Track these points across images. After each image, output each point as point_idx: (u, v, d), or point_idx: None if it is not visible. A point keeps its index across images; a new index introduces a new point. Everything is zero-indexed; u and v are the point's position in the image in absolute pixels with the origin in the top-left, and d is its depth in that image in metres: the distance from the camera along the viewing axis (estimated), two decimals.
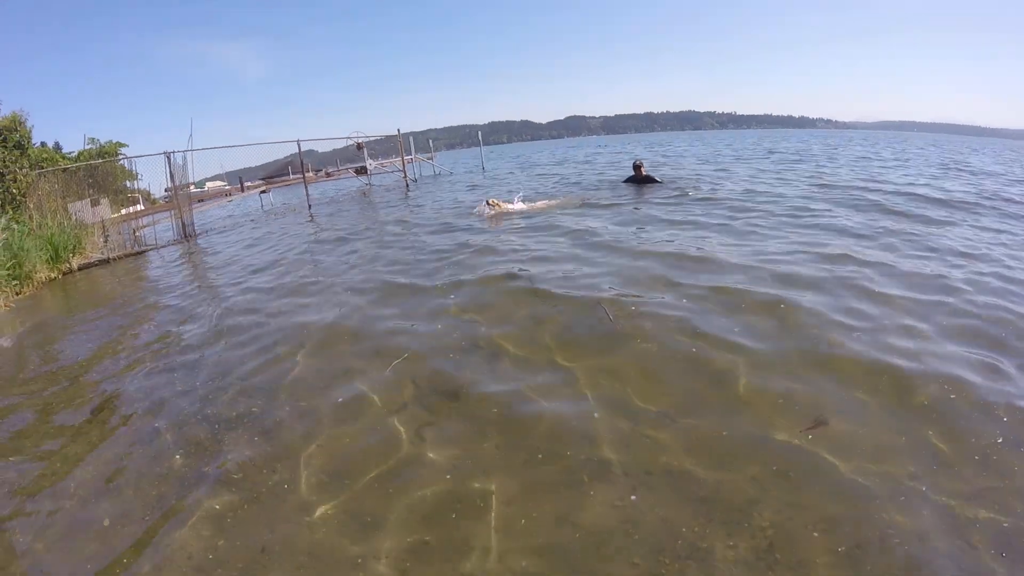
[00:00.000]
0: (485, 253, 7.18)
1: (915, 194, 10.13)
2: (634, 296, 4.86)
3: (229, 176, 25.52)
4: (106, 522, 2.75)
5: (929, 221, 7.72)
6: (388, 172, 23.89)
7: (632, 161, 14.19)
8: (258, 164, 27.31)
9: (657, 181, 12.70)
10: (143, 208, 17.04)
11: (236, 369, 4.44)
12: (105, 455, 3.38)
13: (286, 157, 25.39)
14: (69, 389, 4.60)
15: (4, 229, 9.60)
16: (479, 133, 33.31)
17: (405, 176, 21.68)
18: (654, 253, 6.32)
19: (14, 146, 12.49)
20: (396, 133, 22.75)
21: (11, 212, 10.78)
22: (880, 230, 7.07)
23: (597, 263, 6.15)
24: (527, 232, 8.49)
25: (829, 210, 8.62)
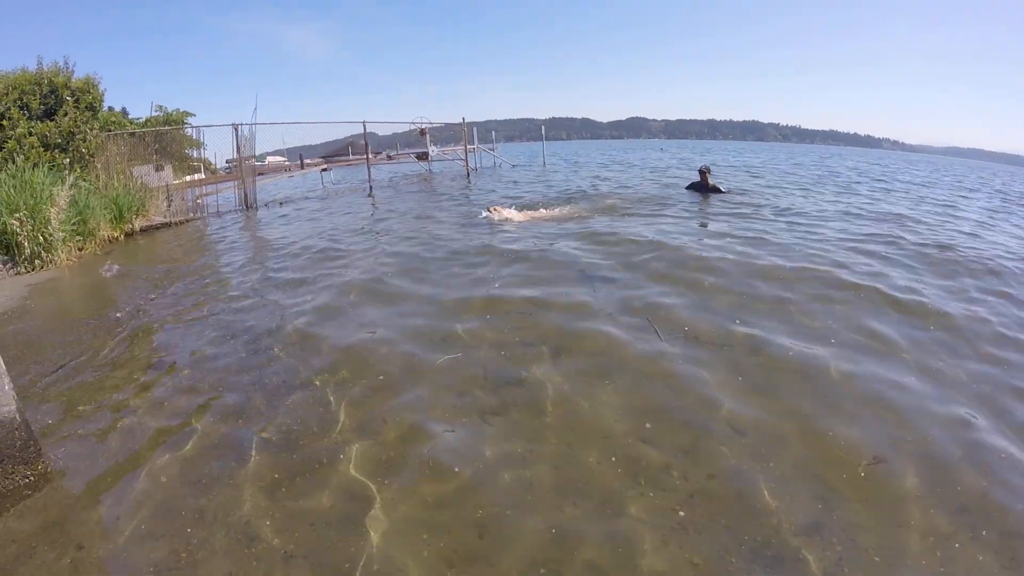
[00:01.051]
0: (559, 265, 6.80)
1: None
2: None
3: (289, 152, 25.78)
4: None
5: None
6: (449, 160, 23.78)
7: (698, 167, 13.71)
8: (318, 142, 27.60)
9: (722, 191, 12.17)
10: (204, 177, 17.18)
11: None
12: None
13: (346, 137, 25.58)
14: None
15: (72, 186, 9.69)
16: (542, 128, 32.71)
17: (467, 165, 21.51)
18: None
19: (86, 107, 12.82)
20: (461, 121, 22.59)
21: (79, 171, 11.02)
22: None
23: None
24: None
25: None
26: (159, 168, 14.94)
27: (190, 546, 2.43)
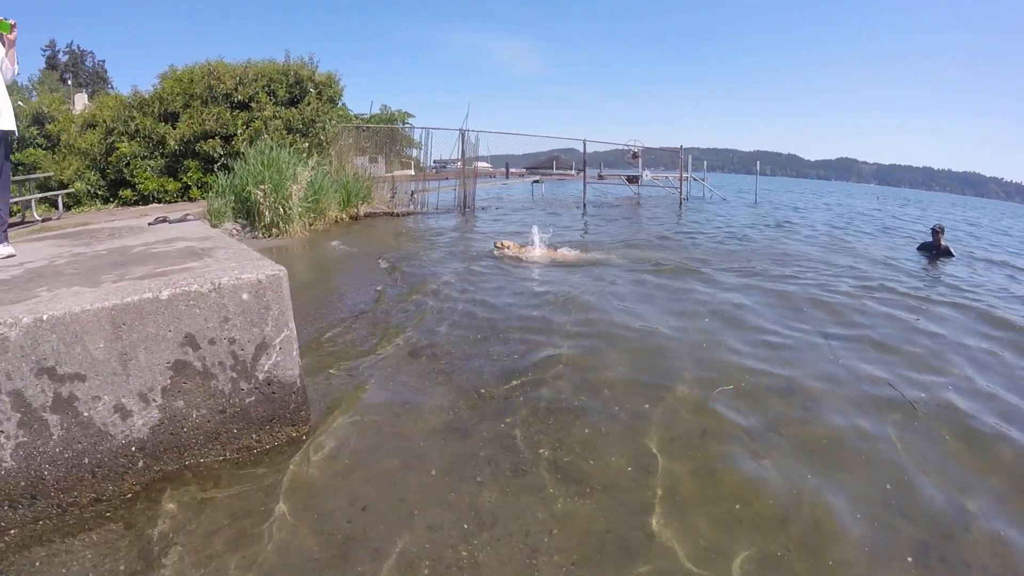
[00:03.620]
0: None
1: None
2: None
3: (493, 160, 26.14)
4: None
5: None
6: (659, 186, 22.65)
7: (931, 226, 11.71)
8: (521, 153, 27.96)
9: (952, 255, 10.58)
10: (413, 173, 17.94)
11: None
12: None
13: (550, 151, 25.67)
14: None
15: (313, 168, 10.59)
16: (757, 163, 30.48)
17: (680, 193, 20.22)
18: None
19: (327, 100, 14.11)
20: (678, 148, 21.41)
21: (316, 156, 11.90)
22: None
23: None
24: None
25: None
26: (373, 161, 16.14)
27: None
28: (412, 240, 10.23)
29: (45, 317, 2.37)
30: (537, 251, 8.41)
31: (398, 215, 12.99)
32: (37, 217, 10.30)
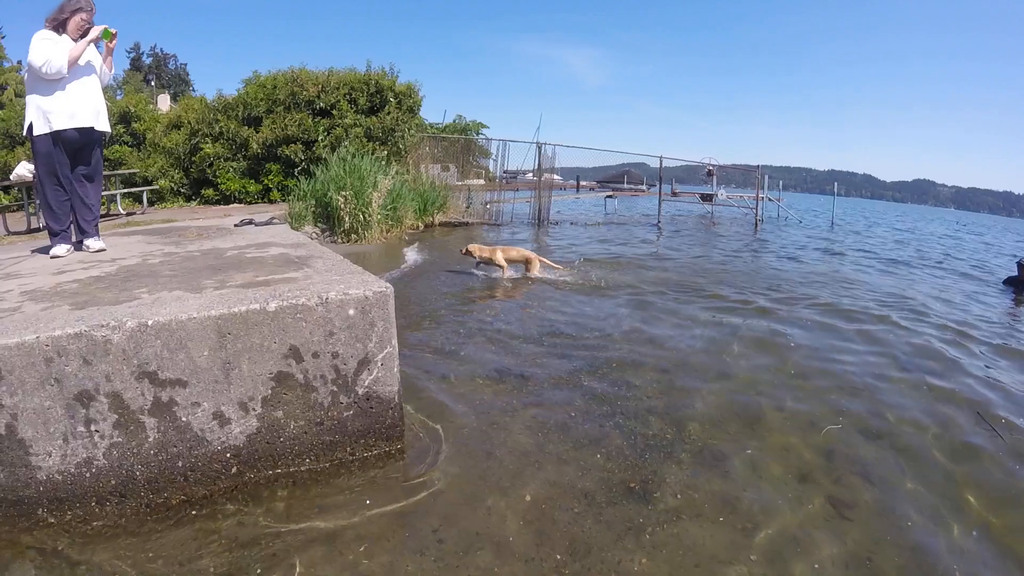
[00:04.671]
0: None
1: None
2: None
3: (563, 172, 26.07)
4: None
5: None
6: (734, 206, 22.06)
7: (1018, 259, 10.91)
8: (591, 166, 27.72)
9: None
10: (483, 183, 18.09)
11: None
12: None
13: (620, 165, 25.44)
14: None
15: (393, 177, 10.84)
16: (835, 184, 29.30)
17: (757, 214, 19.59)
18: None
19: (407, 109, 14.21)
20: (755, 167, 20.78)
21: (395, 164, 12.04)
22: None
23: None
24: None
25: None
26: (445, 168, 16.36)
27: None
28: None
29: (150, 322, 2.42)
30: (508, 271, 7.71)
31: (472, 225, 13.08)
32: (122, 211, 10.75)
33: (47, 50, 4.30)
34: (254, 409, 2.64)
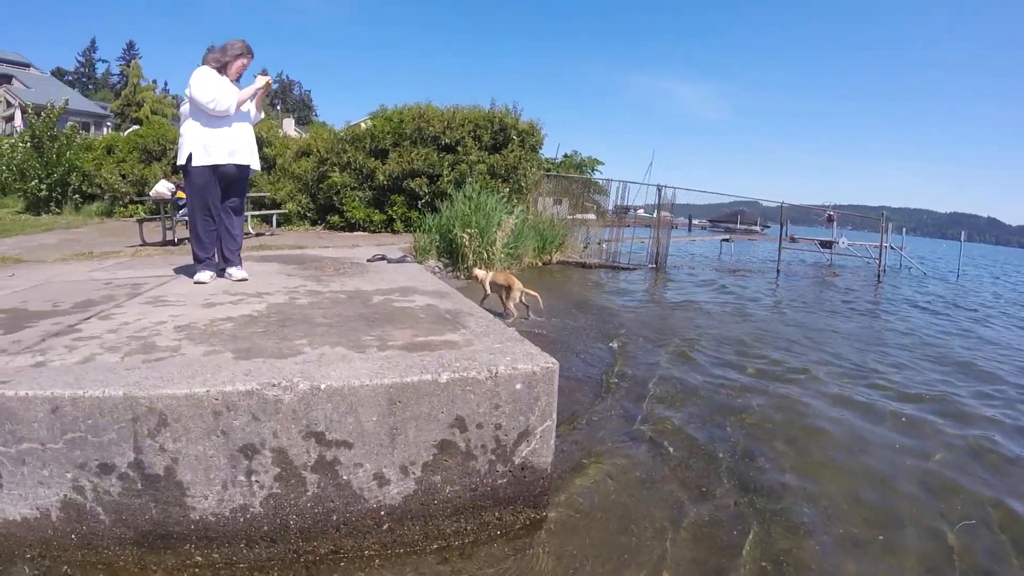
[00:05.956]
0: None
1: None
2: None
3: (675, 209, 25.73)
4: None
5: None
6: (855, 256, 20.93)
7: None
8: (703, 203, 27.10)
9: None
10: (594, 218, 18.00)
11: None
12: None
13: (732, 203, 24.74)
14: None
15: (517, 216, 11.01)
16: (963, 233, 26.98)
17: (880, 264, 18.50)
18: None
19: (530, 148, 14.43)
20: (880, 215, 19.78)
21: (518, 203, 12.28)
22: None
23: None
24: None
25: None
26: (558, 202, 16.54)
27: None
28: (604, 294, 10.32)
29: (323, 386, 2.54)
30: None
31: (590, 266, 13.09)
32: (251, 231, 11.50)
33: (214, 89, 4.67)
34: (414, 473, 2.72)
